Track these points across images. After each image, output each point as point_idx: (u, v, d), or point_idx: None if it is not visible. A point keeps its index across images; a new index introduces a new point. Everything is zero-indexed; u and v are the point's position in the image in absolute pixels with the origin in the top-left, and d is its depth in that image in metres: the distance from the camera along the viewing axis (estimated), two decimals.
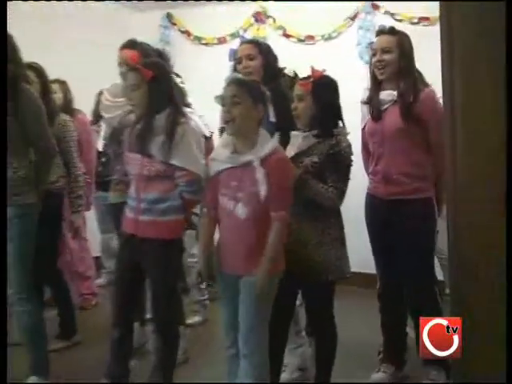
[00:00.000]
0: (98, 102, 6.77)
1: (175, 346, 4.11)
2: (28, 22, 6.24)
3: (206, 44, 8.29)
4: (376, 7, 7.33)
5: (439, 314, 4.19)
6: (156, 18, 8.51)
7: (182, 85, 5.82)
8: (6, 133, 3.87)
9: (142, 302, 4.38)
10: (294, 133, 3.91)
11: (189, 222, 4.22)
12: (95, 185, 5.96)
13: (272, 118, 4.07)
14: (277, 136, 3.58)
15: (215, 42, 8.27)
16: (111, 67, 4.69)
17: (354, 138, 4.09)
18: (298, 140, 3.85)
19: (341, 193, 3.81)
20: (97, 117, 6.75)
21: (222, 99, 3.57)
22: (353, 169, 3.88)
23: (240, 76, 3.96)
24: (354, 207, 4.35)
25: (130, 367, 4.16)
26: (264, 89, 3.71)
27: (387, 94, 4.33)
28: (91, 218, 6.67)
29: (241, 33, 8.11)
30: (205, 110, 5.57)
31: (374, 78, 4.42)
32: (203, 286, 5.88)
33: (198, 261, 3.84)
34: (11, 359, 4.44)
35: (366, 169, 4.63)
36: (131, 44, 4.67)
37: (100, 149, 6.46)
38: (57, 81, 5.80)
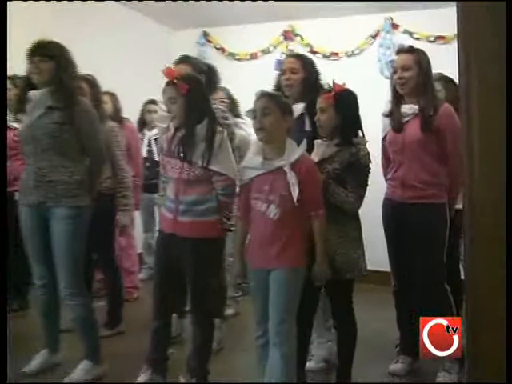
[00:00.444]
0: (143, 112, 6.85)
1: (210, 337, 4.13)
2: (83, 39, 6.28)
3: (239, 59, 8.34)
4: (395, 26, 7.36)
5: (450, 311, 4.24)
6: (194, 37, 8.57)
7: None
8: (6, 133, 3.83)
9: (182, 296, 4.39)
10: (317, 141, 3.93)
11: (225, 226, 4.22)
12: (142, 187, 5.98)
13: (307, 128, 4.10)
14: (304, 143, 3.62)
15: (247, 57, 8.33)
16: (153, 80, 4.68)
17: (374, 147, 4.09)
18: (321, 148, 3.88)
19: (359, 197, 3.83)
20: (141, 125, 6.82)
21: (253, 112, 3.62)
22: (374, 175, 3.89)
23: (269, 90, 3.97)
24: (371, 210, 4.34)
25: (168, 355, 4.20)
26: (289, 102, 3.75)
27: (409, 108, 4.34)
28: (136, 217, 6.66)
29: (271, 49, 8.17)
30: None
31: (395, 92, 4.43)
32: (239, 283, 5.91)
33: (234, 261, 3.84)
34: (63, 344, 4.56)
35: (385, 175, 4.64)
36: (184, 59, 4.73)
37: (144, 155, 6.53)
38: (107, 92, 5.88)
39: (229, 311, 5.70)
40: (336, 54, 7.64)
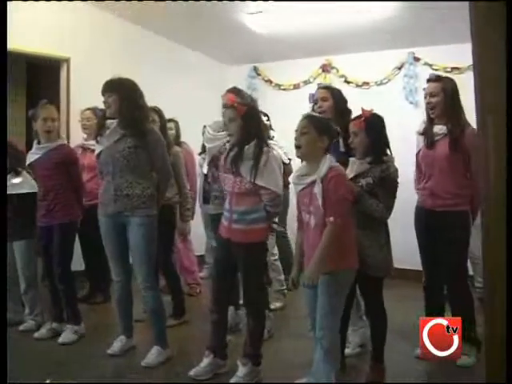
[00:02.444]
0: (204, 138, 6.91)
1: (262, 326, 4.12)
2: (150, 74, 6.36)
3: (284, 89, 8.33)
4: (417, 59, 7.30)
5: (471, 303, 4.22)
6: (245, 71, 8.60)
7: (267, 122, 5.88)
8: (6, 133, 3.87)
9: (237, 290, 4.41)
10: (352, 159, 3.92)
11: (271, 228, 4.23)
12: (203, 199, 5.97)
13: (342, 149, 4.08)
14: (331, 158, 3.54)
15: (291, 87, 8.30)
16: (210, 108, 4.70)
17: (401, 164, 4.03)
18: (355, 165, 3.87)
19: (388, 207, 3.82)
20: (204, 147, 6.86)
21: (296, 131, 3.62)
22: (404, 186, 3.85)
23: (311, 113, 3.97)
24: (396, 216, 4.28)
25: (226, 341, 4.20)
26: (331, 124, 3.71)
27: (439, 128, 4.31)
28: (199, 225, 6.67)
29: (311, 80, 8.15)
30: (283, 142, 5.63)
31: (428, 115, 4.41)
32: (283, 278, 5.86)
33: (293, 267, 3.81)
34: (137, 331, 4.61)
35: (417, 185, 4.59)
36: (234, 89, 4.82)
37: (205, 172, 6.56)
38: (172, 120, 5.95)
39: (277, 304, 5.68)
40: (367, 83, 7.58)
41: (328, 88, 4.70)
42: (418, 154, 4.55)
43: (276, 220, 4.55)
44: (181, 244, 6.34)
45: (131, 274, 4.56)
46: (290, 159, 5.95)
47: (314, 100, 4.56)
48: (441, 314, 4.40)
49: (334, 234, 3.39)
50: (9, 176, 5.06)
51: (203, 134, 7.06)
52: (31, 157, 5.02)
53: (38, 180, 5.03)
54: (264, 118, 5.64)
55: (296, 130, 3.64)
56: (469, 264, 4.62)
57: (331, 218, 3.38)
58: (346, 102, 4.48)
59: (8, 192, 5.09)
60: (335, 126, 3.77)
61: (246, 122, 3.92)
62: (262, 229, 3.96)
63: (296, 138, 3.61)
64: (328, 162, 3.51)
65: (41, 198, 4.98)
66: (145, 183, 4.34)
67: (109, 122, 4.42)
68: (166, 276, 5.52)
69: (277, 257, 5.77)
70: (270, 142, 5.18)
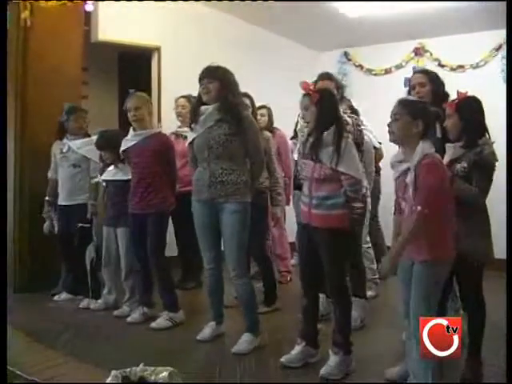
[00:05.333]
0: (296, 123, 6.97)
1: (348, 314, 4.06)
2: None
3: (375, 74, 8.25)
4: None
5: None
6: (335, 56, 8.57)
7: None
8: (6, 132, 3.86)
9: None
10: (448, 145, 3.81)
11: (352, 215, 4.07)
12: (294, 185, 6.00)
13: (438, 134, 3.98)
14: (427, 144, 3.40)
15: (383, 72, 8.20)
16: (299, 94, 4.66)
17: (499, 149, 3.90)
18: (450, 150, 3.77)
19: (483, 191, 3.70)
20: (295, 133, 6.88)
21: (390, 117, 3.54)
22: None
23: (406, 97, 3.86)
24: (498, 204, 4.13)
25: (318, 329, 4.18)
26: (428, 107, 3.60)
27: None
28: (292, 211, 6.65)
29: (403, 65, 8.00)
30: (376, 126, 5.54)
31: None
32: (375, 267, 5.78)
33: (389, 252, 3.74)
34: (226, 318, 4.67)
35: None
36: (326, 75, 4.88)
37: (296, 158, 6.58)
38: (265, 106, 6.00)
39: (369, 293, 5.61)
40: (462, 66, 7.37)
41: (425, 72, 4.57)
42: None
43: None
44: (275, 231, 6.37)
45: (222, 261, 4.60)
46: (380, 143, 5.88)
47: (410, 85, 4.44)
48: None
49: (418, 224, 3.31)
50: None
51: (296, 121, 7.14)
52: (126, 143, 5.10)
53: (133, 166, 5.11)
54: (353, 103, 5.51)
55: (390, 116, 3.55)
56: None
57: (419, 207, 3.28)
58: (443, 85, 4.37)
59: (108, 178, 5.30)
60: (433, 109, 3.67)
61: (321, 108, 3.91)
62: (342, 214, 3.92)
63: (389, 124, 3.51)
64: (421, 148, 3.37)
65: (134, 185, 5.06)
66: (239, 170, 4.37)
67: (203, 108, 4.43)
68: (259, 262, 5.56)
69: (370, 245, 5.70)
70: (361, 127, 5.13)
